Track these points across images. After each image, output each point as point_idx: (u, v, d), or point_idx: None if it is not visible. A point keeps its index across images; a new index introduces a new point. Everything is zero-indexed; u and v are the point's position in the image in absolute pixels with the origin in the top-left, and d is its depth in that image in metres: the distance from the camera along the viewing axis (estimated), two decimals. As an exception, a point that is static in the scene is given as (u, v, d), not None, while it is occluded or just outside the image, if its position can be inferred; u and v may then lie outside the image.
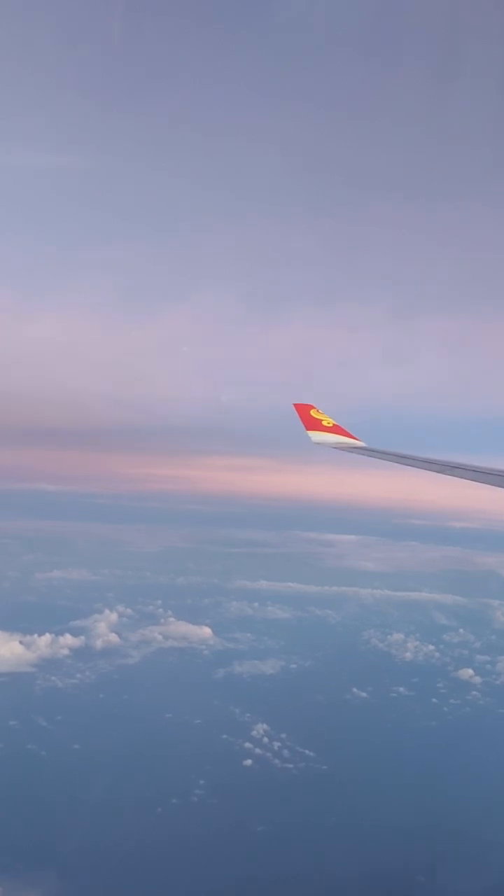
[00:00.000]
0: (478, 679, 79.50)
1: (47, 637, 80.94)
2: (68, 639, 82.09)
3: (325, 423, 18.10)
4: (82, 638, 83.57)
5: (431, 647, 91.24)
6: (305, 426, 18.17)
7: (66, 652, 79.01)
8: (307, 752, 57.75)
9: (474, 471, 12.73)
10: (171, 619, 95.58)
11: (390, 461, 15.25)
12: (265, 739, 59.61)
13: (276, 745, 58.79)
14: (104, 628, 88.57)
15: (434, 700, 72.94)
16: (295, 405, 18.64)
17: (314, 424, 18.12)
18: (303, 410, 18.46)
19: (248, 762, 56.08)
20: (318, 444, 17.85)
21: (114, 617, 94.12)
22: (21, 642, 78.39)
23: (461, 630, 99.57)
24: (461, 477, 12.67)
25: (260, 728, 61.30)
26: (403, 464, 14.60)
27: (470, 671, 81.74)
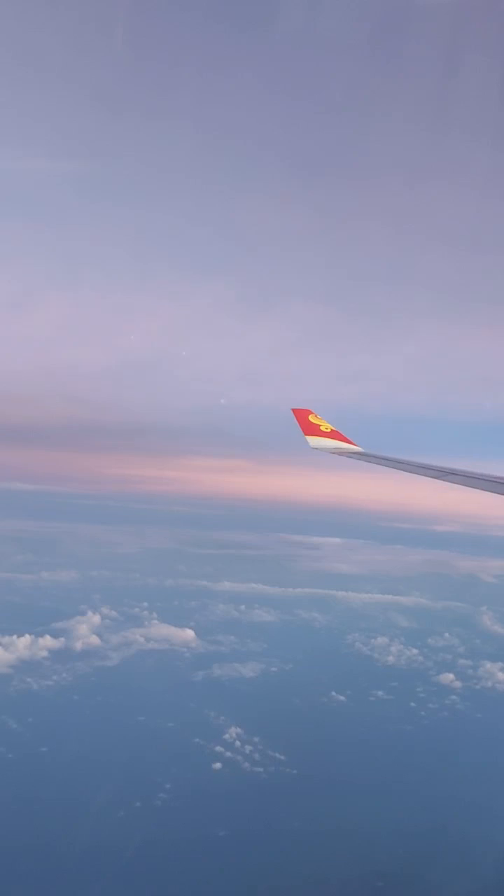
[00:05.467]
0: (458, 684, 79.07)
1: (27, 638, 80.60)
2: (48, 640, 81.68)
3: (322, 428, 18.11)
4: (62, 640, 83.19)
5: (415, 651, 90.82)
6: (304, 431, 18.17)
7: (44, 654, 78.65)
8: (278, 755, 57.41)
9: (468, 476, 12.97)
10: (155, 622, 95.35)
11: (387, 466, 15.37)
12: (237, 743, 59.23)
13: (248, 748, 58.41)
14: (85, 630, 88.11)
15: (412, 704, 72.56)
16: (293, 410, 18.62)
17: (312, 429, 18.12)
18: (301, 415, 18.45)
19: (218, 766, 55.72)
20: (316, 449, 17.89)
21: (96, 619, 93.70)
22: (-1, 643, 78.19)
23: (446, 634, 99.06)
24: (455, 482, 12.89)
25: (233, 731, 60.91)
26: (400, 469, 14.74)
27: (451, 676, 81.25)
